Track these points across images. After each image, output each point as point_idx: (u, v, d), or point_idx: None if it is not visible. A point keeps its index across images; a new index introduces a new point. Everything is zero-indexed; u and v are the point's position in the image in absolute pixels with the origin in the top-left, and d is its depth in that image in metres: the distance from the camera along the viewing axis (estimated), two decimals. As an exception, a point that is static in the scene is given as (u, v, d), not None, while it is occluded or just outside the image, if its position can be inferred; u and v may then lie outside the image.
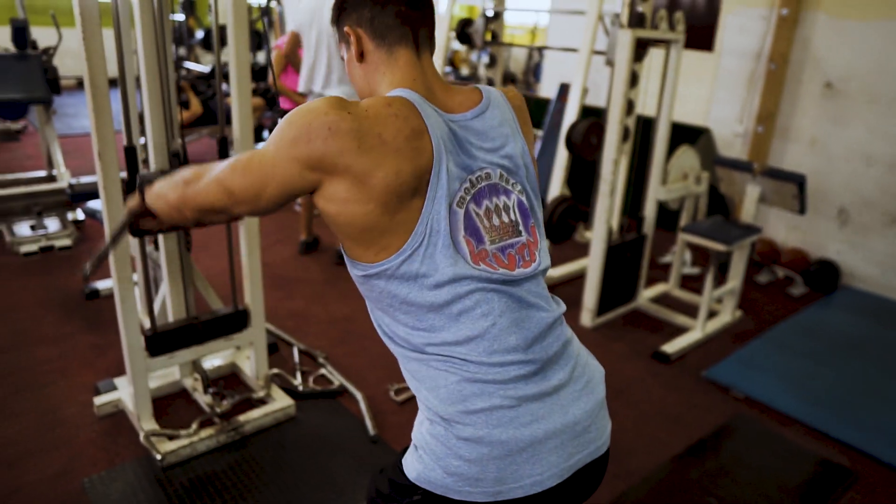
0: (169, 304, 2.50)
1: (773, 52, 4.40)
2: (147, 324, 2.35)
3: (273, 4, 7.61)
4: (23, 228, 4.01)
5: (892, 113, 4.02)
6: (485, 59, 4.73)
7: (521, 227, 1.09)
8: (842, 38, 4.18)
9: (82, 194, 3.62)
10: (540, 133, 5.13)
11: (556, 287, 3.92)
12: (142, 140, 2.42)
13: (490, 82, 4.65)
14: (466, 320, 1.01)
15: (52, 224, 4.10)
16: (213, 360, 2.77)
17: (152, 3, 2.12)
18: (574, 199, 3.67)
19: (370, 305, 1.09)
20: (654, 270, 4.21)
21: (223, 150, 2.33)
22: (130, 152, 2.09)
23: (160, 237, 2.40)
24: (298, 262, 4.04)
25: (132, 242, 2.45)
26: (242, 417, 2.43)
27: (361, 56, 1.08)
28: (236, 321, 2.49)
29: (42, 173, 4.79)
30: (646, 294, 3.79)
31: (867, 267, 4.24)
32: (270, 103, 6.03)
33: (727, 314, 3.62)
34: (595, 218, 3.40)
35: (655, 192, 3.57)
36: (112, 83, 1.95)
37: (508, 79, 6.44)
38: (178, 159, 2.28)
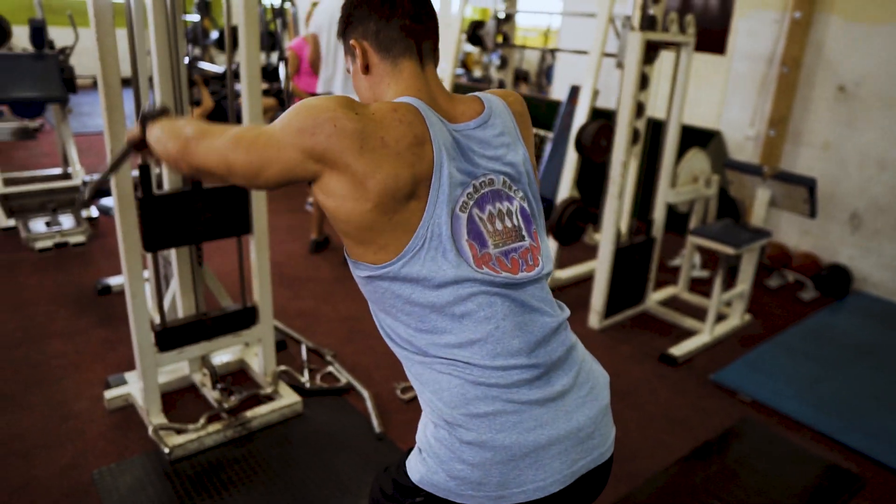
0: (179, 301, 2.53)
1: (786, 56, 4.38)
2: (157, 319, 2.39)
3: (287, 5, 7.67)
4: (38, 225, 4.07)
5: (905, 117, 4.00)
6: (496, 60, 4.74)
7: (523, 232, 1.10)
8: (855, 41, 4.15)
9: (96, 191, 3.67)
10: (550, 135, 5.14)
11: (564, 288, 3.93)
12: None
13: (501, 84, 4.66)
14: (469, 323, 1.02)
15: (67, 221, 4.16)
16: (222, 356, 2.80)
17: (165, 3, 2.15)
18: (584, 201, 3.67)
19: (373, 308, 1.10)
20: (664, 273, 4.20)
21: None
22: (144, 170, 2.13)
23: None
24: (308, 261, 4.07)
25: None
26: (250, 413, 2.46)
27: (367, 69, 1.10)
28: (245, 318, 2.52)
29: (57, 171, 4.86)
30: (654, 297, 3.78)
31: (879, 272, 4.21)
32: (283, 104, 6.07)
33: (736, 318, 3.60)
34: (603, 220, 3.40)
35: (665, 195, 3.57)
36: (126, 83, 1.98)
37: (521, 77, 6.43)
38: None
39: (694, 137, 4.59)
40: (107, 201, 3.70)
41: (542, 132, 5.64)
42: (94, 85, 9.34)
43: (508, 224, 1.08)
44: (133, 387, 2.53)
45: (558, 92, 6.38)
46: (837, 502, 2.34)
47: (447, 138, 1.04)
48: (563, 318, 1.13)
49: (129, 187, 2.11)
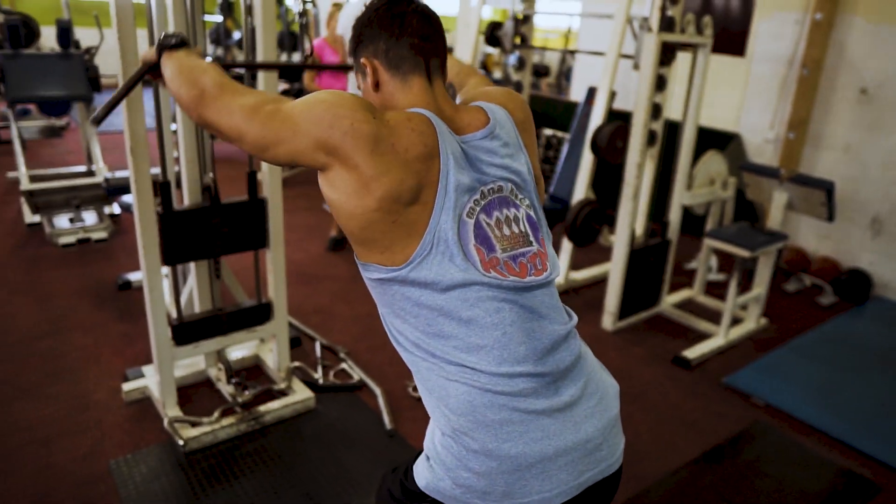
0: (196, 296, 2.58)
1: (806, 58, 4.34)
2: (174, 314, 2.44)
3: (308, 6, 7.74)
4: (62, 221, 4.16)
5: (929, 120, 3.93)
6: (514, 61, 4.74)
7: (531, 238, 1.11)
8: (878, 43, 4.10)
9: (117, 188, 3.75)
10: (567, 136, 5.13)
11: (579, 290, 3.92)
12: (173, 126, 2.52)
13: (518, 86, 4.67)
14: (476, 328, 1.02)
15: (90, 217, 4.24)
16: (238, 351, 2.85)
17: (185, 4, 2.20)
18: (600, 202, 3.67)
19: (383, 311, 1.12)
20: (680, 276, 4.18)
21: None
22: (165, 188, 2.18)
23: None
24: (326, 260, 4.11)
25: None
26: (263, 408, 2.50)
27: (377, 86, 1.13)
28: (259, 314, 2.56)
29: (82, 168, 4.97)
30: (669, 299, 3.77)
31: (900, 278, 4.15)
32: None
33: (751, 321, 3.57)
34: (618, 221, 3.40)
35: (680, 197, 3.55)
36: (146, 83, 2.03)
37: (541, 73, 6.44)
38: (212, 157, 2.37)
39: (712, 140, 4.56)
40: (128, 198, 3.77)
41: (559, 133, 5.63)
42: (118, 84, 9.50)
43: (516, 230, 1.09)
44: (150, 380, 2.58)
45: (577, 93, 6.37)
46: (850, 508, 2.32)
47: (456, 148, 1.06)
48: (571, 326, 1.14)
49: (147, 185, 2.16)
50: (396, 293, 1.05)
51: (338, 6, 4.76)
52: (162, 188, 2.20)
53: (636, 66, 3.86)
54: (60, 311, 3.24)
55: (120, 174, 3.94)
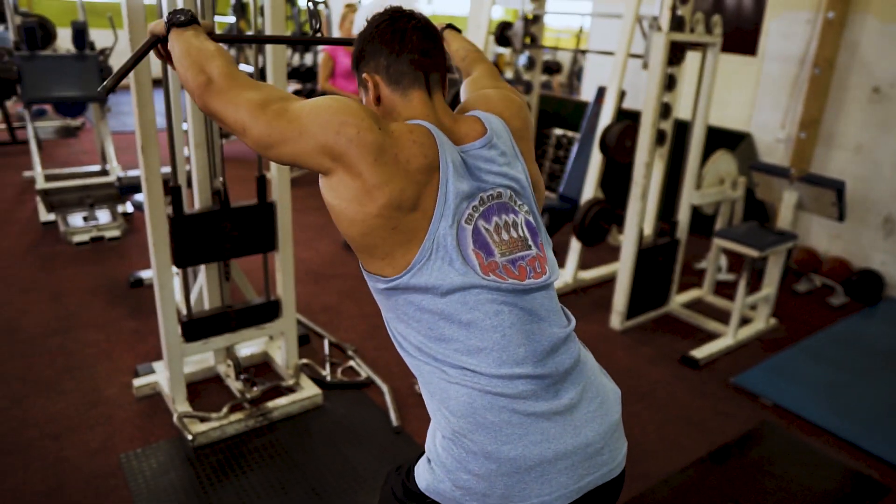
0: (206, 294, 2.62)
1: (818, 57, 4.31)
2: (184, 311, 2.47)
3: (321, 7, 7.78)
4: (76, 219, 4.22)
5: (942, 120, 3.90)
6: (524, 61, 4.75)
7: (530, 242, 1.13)
8: (891, 42, 4.06)
9: (129, 187, 3.81)
10: (577, 136, 5.12)
11: (588, 289, 3.92)
12: (184, 126, 2.56)
13: (528, 86, 4.68)
14: (476, 331, 1.04)
15: (103, 216, 4.30)
16: (247, 348, 2.88)
17: (196, 4, 2.23)
18: (610, 202, 3.66)
19: (387, 316, 1.14)
20: (690, 276, 4.17)
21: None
22: (176, 192, 2.21)
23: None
24: (337, 258, 4.14)
25: None
26: (271, 404, 2.52)
27: (378, 100, 1.15)
28: (268, 311, 2.58)
29: (96, 168, 5.03)
30: (678, 299, 3.76)
31: (913, 278, 4.11)
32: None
33: (761, 322, 3.56)
34: (626, 221, 3.40)
35: (689, 197, 3.54)
36: (157, 83, 2.06)
37: (553, 70, 6.45)
38: (221, 160, 2.40)
39: (723, 140, 4.54)
40: (140, 197, 3.82)
41: (569, 133, 5.63)
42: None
43: (514, 235, 1.11)
44: (160, 376, 2.61)
45: (587, 93, 6.36)
46: (857, 509, 2.31)
47: (456, 157, 1.09)
48: (570, 329, 1.15)
49: (158, 183, 2.19)
50: (399, 299, 1.07)
51: (351, 7, 4.78)
52: (172, 192, 2.23)
53: (646, 66, 3.85)
54: (73, 308, 3.29)
55: (132, 173, 4.00)
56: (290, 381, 2.65)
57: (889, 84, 4.10)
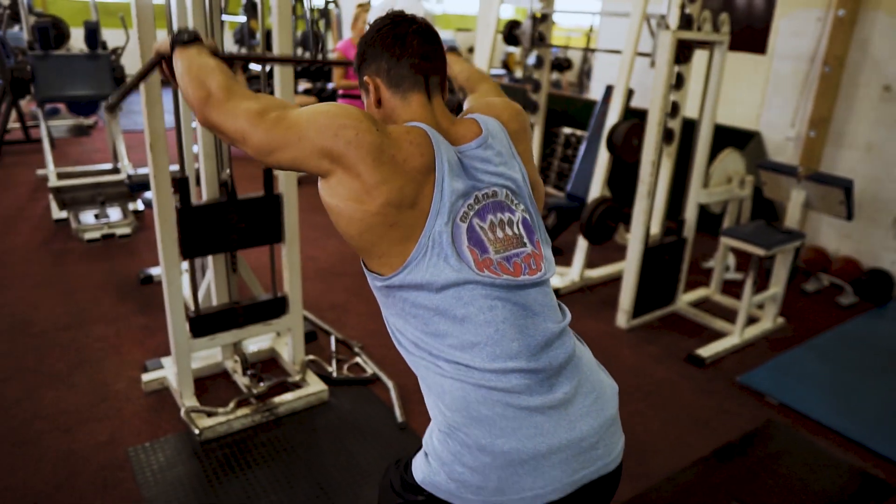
0: (213, 290, 2.64)
1: (828, 55, 4.28)
2: (192, 307, 2.50)
3: (331, 7, 7.81)
4: (87, 217, 4.28)
5: (954, 118, 3.86)
6: (533, 60, 4.75)
7: (525, 240, 1.15)
8: (902, 40, 4.03)
9: (139, 184, 3.85)
10: (585, 134, 5.12)
11: (595, 288, 3.92)
12: (193, 124, 2.59)
13: (537, 84, 4.69)
14: (470, 326, 1.06)
15: (114, 213, 4.35)
16: (254, 344, 2.91)
17: (204, 4, 2.25)
18: (618, 200, 3.66)
19: (385, 313, 1.16)
20: (698, 275, 4.16)
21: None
22: (183, 183, 2.25)
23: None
24: (345, 256, 4.16)
25: None
26: (277, 399, 2.55)
27: (378, 103, 1.18)
28: (275, 307, 2.61)
29: (108, 166, 5.09)
30: (685, 298, 3.75)
31: (924, 278, 4.07)
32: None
33: (768, 321, 3.54)
34: (633, 219, 3.40)
35: (696, 195, 3.54)
36: (165, 83, 2.09)
37: (563, 66, 6.46)
38: (229, 154, 2.42)
39: (732, 138, 4.52)
40: (150, 195, 3.87)
41: (578, 132, 5.63)
42: (146, 84, 9.68)
43: (510, 232, 1.13)
44: (168, 371, 2.65)
45: (596, 91, 6.35)
46: (862, 508, 2.30)
47: (452, 157, 1.11)
48: (565, 324, 1.16)
49: (166, 180, 2.22)
50: (396, 296, 1.10)
51: (363, 6, 4.79)
52: (180, 184, 2.26)
53: (653, 64, 3.85)
54: (84, 303, 3.33)
55: (142, 171, 4.04)
56: (297, 377, 2.68)
57: (900, 82, 4.07)
